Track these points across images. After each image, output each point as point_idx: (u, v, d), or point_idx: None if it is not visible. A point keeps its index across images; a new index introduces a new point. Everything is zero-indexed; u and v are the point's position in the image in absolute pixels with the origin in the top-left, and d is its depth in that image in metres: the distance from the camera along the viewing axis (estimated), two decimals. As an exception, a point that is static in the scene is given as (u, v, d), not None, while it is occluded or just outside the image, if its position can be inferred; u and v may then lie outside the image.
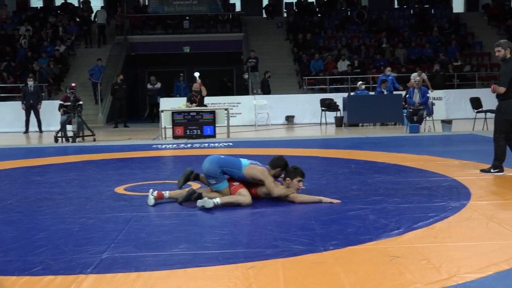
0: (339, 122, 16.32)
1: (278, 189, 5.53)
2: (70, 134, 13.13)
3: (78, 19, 24.08)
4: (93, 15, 23.90)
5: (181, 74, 20.30)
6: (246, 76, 20.16)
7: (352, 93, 17.09)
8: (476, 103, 14.18)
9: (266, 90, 19.27)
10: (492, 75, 21.12)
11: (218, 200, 5.39)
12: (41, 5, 26.34)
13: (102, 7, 24.38)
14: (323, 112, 17.19)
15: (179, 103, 15.49)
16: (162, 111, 13.71)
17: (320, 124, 17.23)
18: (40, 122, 16.56)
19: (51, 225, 4.87)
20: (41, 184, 7.09)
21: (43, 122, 16.65)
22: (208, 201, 5.30)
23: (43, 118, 16.64)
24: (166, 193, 5.69)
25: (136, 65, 25.97)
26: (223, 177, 5.60)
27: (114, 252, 3.98)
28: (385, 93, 16.56)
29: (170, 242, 4.22)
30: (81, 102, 13.41)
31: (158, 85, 19.88)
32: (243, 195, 5.46)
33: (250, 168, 5.57)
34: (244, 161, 5.63)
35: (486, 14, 25.10)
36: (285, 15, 26.42)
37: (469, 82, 20.62)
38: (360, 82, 17.19)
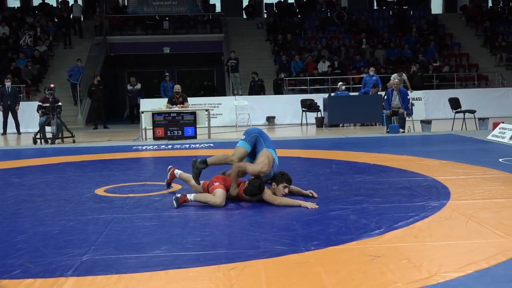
0: (319, 123, 16.39)
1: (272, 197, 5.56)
2: (49, 135, 13.00)
3: (56, 19, 23.86)
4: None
5: (167, 74, 20.19)
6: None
7: (332, 94, 17.17)
8: (454, 103, 14.33)
9: (257, 90, 19.24)
10: (470, 75, 21.39)
11: (191, 196, 5.51)
12: (18, 5, 26.04)
13: (75, 1, 24.08)
14: (304, 113, 17.25)
15: (159, 104, 15.43)
16: (142, 112, 13.63)
17: (301, 124, 17.28)
18: (18, 124, 16.37)
19: (31, 228, 4.81)
20: (19, 186, 7.01)
21: (21, 123, 16.46)
22: (177, 197, 5.52)
23: (21, 119, 16.45)
24: (191, 196, 5.62)
25: (116, 66, 25.82)
26: (251, 141, 5.69)
27: (95, 255, 3.95)
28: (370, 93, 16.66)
29: (151, 244, 4.20)
30: (60, 103, 13.28)
31: (138, 86, 19.78)
32: (215, 196, 5.47)
33: (264, 154, 5.57)
34: (270, 148, 5.68)
35: (464, 15, 25.39)
36: (265, 16, 26.47)
37: (448, 83, 20.85)
38: (341, 83, 17.29)
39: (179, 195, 5.57)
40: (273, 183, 5.56)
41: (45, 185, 7.07)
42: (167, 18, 23.96)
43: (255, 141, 5.74)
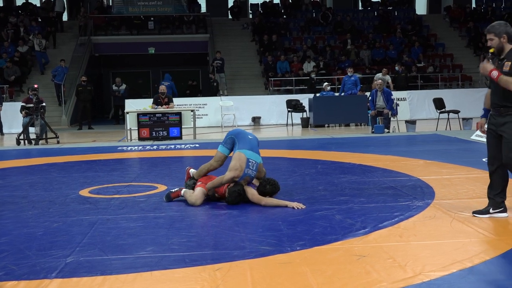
0: (305, 123, 16.42)
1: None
2: (32, 136, 12.90)
3: (40, 19, 23.67)
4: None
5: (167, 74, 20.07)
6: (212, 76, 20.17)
7: (318, 94, 17.22)
8: (439, 103, 14.44)
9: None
10: (454, 76, 21.55)
11: (182, 191, 5.70)
12: (1, 5, 25.80)
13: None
14: (289, 113, 17.28)
15: (144, 104, 15.37)
16: (127, 112, 13.58)
17: (287, 125, 17.31)
18: (1, 124, 16.22)
19: (14, 229, 4.77)
20: (2, 187, 6.95)
21: (4, 124, 16.32)
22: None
23: (4, 120, 16.31)
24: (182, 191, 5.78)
25: (100, 66, 25.68)
26: (228, 143, 5.80)
27: (79, 256, 3.93)
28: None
29: (136, 245, 4.19)
30: (44, 104, 13.18)
31: (124, 86, 19.69)
32: (192, 195, 5.58)
33: (235, 157, 5.60)
34: (244, 149, 5.64)
35: (448, 16, 25.59)
36: (250, 16, 26.47)
37: (432, 83, 21.00)
38: (326, 84, 17.34)
39: (173, 189, 5.76)
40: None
41: (29, 186, 7.01)
42: (152, 18, 23.86)
43: (233, 143, 5.79)
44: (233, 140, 5.79)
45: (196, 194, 5.57)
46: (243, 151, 5.60)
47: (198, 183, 5.72)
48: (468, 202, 5.31)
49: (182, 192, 5.72)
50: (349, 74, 17.20)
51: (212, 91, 19.80)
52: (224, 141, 5.86)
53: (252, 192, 5.50)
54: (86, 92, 17.78)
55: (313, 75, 19.71)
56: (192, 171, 6.19)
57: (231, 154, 5.81)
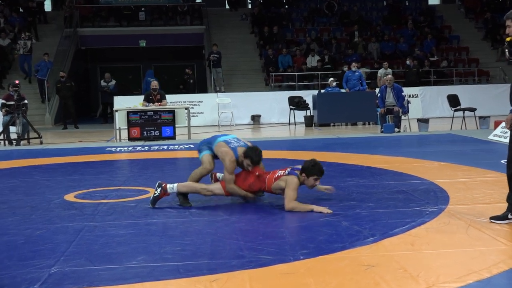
0: (309, 122, 16.42)
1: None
2: (13, 136, 12.89)
3: (21, 10, 23.67)
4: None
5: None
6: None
7: (322, 91, 17.22)
8: (453, 100, 14.45)
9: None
10: (470, 71, 21.55)
11: (174, 186, 5.78)
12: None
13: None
14: (292, 111, 17.28)
15: (135, 101, 15.37)
16: (116, 110, 13.58)
17: (289, 123, 17.31)
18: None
19: (-7, 237, 4.77)
20: (-19, 192, 6.95)
21: (-17, 123, 16.30)
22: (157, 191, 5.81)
23: (-17, 119, 16.29)
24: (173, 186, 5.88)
25: (87, 60, 25.69)
26: (205, 148, 5.98)
27: (64, 266, 3.92)
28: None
29: (127, 254, 4.18)
30: (26, 101, 13.17)
31: (113, 82, 19.70)
32: (210, 184, 5.78)
33: (219, 146, 5.77)
34: (219, 137, 5.92)
35: (463, 7, 25.60)
36: (249, 6, 26.47)
37: (446, 79, 21.01)
38: (331, 79, 17.33)
39: (157, 193, 5.79)
40: (303, 174, 5.49)
41: (9, 190, 7.00)
42: (143, 9, 23.88)
43: (208, 147, 5.94)
44: (206, 145, 5.98)
45: (215, 187, 5.83)
46: (216, 141, 5.85)
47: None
48: (485, 208, 5.31)
49: (174, 187, 5.79)
50: (353, 69, 17.16)
51: (189, 88, 19.95)
52: (201, 149, 6.02)
53: (291, 185, 5.44)
54: (66, 89, 17.78)
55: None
56: (219, 175, 6.22)
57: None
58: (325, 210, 5.28)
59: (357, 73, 17.10)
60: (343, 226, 4.82)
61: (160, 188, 5.79)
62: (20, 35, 21.42)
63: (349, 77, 17.09)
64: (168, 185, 5.80)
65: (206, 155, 5.94)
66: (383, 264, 3.82)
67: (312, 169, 5.45)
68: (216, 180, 6.21)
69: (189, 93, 19.22)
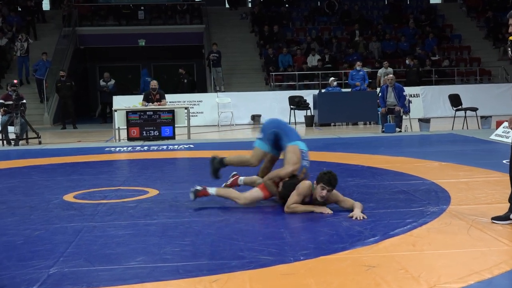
0: (309, 122, 16.43)
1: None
2: (12, 136, 12.89)
3: (20, 9, 23.67)
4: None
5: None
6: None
7: (323, 90, 17.22)
8: (455, 100, 14.44)
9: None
10: (471, 70, 21.56)
11: (213, 190, 5.72)
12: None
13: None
14: (292, 111, 17.28)
15: (134, 101, 15.38)
16: (115, 110, 13.58)
17: (289, 123, 17.31)
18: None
19: (-8, 238, 4.78)
20: (-21, 192, 6.95)
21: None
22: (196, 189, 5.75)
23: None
24: (212, 190, 5.80)
25: (86, 59, 25.68)
26: (269, 139, 5.77)
27: (63, 267, 3.93)
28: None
29: (126, 255, 4.18)
30: (24, 101, 13.17)
31: (112, 81, 19.71)
32: (243, 193, 5.61)
33: (290, 150, 5.62)
34: (295, 141, 5.71)
35: (465, 5, 25.60)
36: (249, 5, 26.49)
37: (447, 78, 21.02)
38: (332, 78, 17.35)
39: (199, 188, 5.77)
40: (315, 182, 5.35)
41: (8, 191, 7.01)
42: (142, 8, 23.88)
43: (274, 138, 5.77)
44: (275, 135, 5.76)
45: (248, 195, 5.64)
46: (295, 143, 5.67)
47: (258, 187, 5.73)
48: (487, 208, 5.31)
49: (213, 191, 5.75)
50: (357, 68, 17.27)
51: (183, 88, 19.96)
52: (264, 136, 5.80)
53: (298, 188, 5.39)
54: (66, 88, 17.78)
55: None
56: (241, 179, 6.14)
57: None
58: (325, 210, 5.27)
59: (361, 72, 17.20)
60: (344, 227, 4.83)
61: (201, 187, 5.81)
62: (18, 34, 21.42)
63: (353, 76, 17.20)
64: (209, 189, 5.79)
65: (261, 152, 5.80)
66: (384, 265, 3.82)
67: (322, 176, 5.26)
68: (235, 184, 6.09)
69: (183, 93, 19.09)
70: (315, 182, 5.34)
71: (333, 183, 5.24)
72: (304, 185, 5.39)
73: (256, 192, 5.67)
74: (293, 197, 5.36)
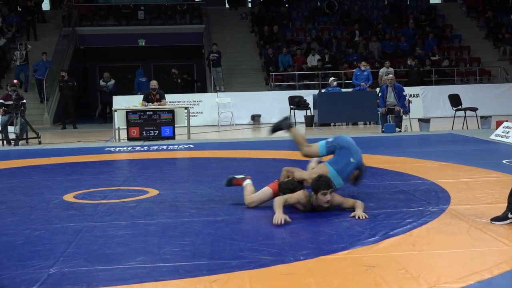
0: (309, 122, 16.43)
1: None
2: (12, 136, 12.89)
3: (20, 9, 23.67)
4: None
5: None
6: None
7: (323, 90, 17.22)
8: (455, 100, 14.45)
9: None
10: (471, 70, 21.56)
11: (246, 183, 5.79)
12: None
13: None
14: (292, 111, 17.27)
15: (134, 101, 15.38)
16: (115, 110, 13.58)
17: (289, 123, 17.28)
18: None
19: (-8, 238, 4.78)
20: (-21, 192, 6.95)
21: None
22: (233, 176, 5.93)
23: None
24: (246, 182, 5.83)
25: (86, 60, 25.69)
26: (329, 148, 5.78)
27: (63, 267, 3.93)
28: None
29: (126, 255, 4.19)
30: (24, 101, 13.17)
31: (112, 82, 19.72)
32: (250, 194, 5.64)
33: (321, 168, 5.63)
34: (334, 166, 5.64)
35: (465, 5, 25.60)
36: (249, 5, 26.50)
37: (447, 78, 21.01)
38: (332, 78, 17.35)
39: (238, 176, 5.88)
40: (313, 193, 5.24)
41: (8, 191, 7.01)
42: (142, 8, 23.88)
43: (333, 151, 5.76)
44: (334, 149, 5.74)
45: (254, 196, 5.62)
46: (330, 168, 5.58)
47: (270, 185, 5.69)
48: (487, 208, 5.31)
49: (244, 184, 5.78)
50: (362, 68, 17.29)
51: (177, 88, 20.00)
52: (329, 143, 5.79)
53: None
54: (68, 88, 17.81)
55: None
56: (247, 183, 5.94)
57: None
58: (279, 219, 4.93)
59: (365, 72, 17.21)
60: (344, 227, 4.83)
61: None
62: (18, 34, 21.41)
63: (358, 75, 17.22)
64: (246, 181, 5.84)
65: (317, 150, 5.79)
66: (384, 265, 3.82)
67: (317, 183, 5.17)
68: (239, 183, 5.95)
69: (178, 93, 19.03)
70: (312, 193, 5.25)
71: (330, 184, 5.22)
72: (300, 192, 5.33)
73: (262, 193, 5.62)
74: (286, 196, 5.29)
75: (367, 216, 5.06)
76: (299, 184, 5.48)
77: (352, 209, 5.22)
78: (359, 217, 5.03)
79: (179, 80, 20.44)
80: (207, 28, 23.41)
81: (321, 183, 5.15)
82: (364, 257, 4.00)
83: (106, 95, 19.51)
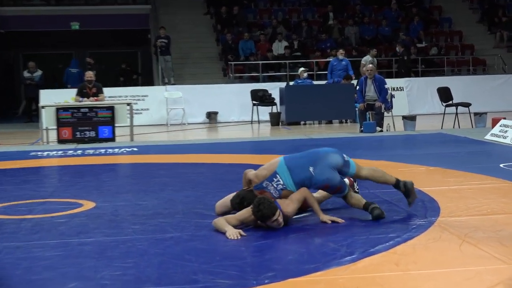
0: (275, 120, 16.47)
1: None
2: None
3: None
4: None
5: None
6: None
7: (291, 83, 17.28)
8: (445, 94, 14.63)
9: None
10: (463, 59, 21.87)
11: None
12: None
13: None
14: (255, 107, 17.31)
15: (66, 96, 15.19)
16: (43, 107, 13.42)
17: (252, 122, 17.34)
18: None
19: None
20: None
21: None
22: None
23: None
24: None
25: (9, 46, 25.32)
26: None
27: (-21, 296, 3.86)
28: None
29: (55, 281, 4.14)
30: None
31: (39, 72, 19.47)
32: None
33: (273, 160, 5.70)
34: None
35: (456, -16, 25.99)
36: (204, -18, 26.46)
37: (436, 68, 21.28)
38: (302, 69, 17.41)
39: None
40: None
41: None
42: (75, -16, 23.68)
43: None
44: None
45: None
46: (282, 160, 5.61)
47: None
48: (481, 220, 5.38)
49: None
50: (339, 57, 17.33)
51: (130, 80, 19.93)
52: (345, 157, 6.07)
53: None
54: None
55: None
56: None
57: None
58: (234, 234, 5.03)
59: (343, 62, 17.23)
60: (316, 243, 4.85)
61: None
62: None
63: (334, 66, 17.21)
64: None
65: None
66: (363, 287, 3.85)
67: (259, 214, 5.08)
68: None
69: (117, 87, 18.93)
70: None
71: (273, 207, 5.09)
72: (245, 212, 5.27)
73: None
74: (226, 217, 5.29)
75: (339, 221, 5.24)
76: (251, 196, 5.38)
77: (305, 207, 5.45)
78: (325, 222, 5.21)
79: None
80: (154, 9, 23.31)
81: (264, 212, 5.06)
82: (340, 278, 4.01)
83: (32, 89, 19.22)
